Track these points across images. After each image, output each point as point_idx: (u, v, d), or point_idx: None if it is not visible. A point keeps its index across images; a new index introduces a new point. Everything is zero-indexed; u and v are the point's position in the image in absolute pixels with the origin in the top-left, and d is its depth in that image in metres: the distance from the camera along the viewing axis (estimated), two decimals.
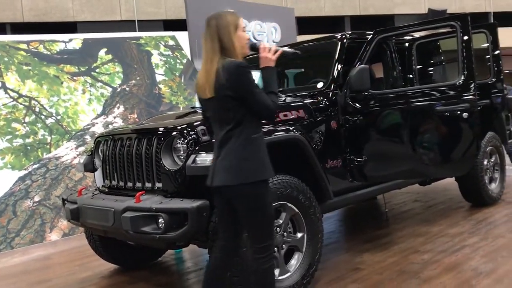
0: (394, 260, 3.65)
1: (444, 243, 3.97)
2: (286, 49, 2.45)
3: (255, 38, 8.07)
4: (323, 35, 4.74)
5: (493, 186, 5.20)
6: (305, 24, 13.10)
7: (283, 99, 3.58)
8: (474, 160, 4.12)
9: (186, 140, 2.93)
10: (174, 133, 2.99)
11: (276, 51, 2.36)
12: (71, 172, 5.66)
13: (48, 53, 6.47)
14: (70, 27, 11.66)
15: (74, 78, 6.43)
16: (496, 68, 5.14)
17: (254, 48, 2.39)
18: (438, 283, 3.13)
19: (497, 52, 5.10)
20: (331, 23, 15.11)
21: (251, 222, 2.31)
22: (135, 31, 11.71)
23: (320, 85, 3.94)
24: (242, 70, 2.23)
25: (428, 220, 4.75)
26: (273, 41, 8.29)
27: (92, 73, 6.64)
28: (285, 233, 3.06)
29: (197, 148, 2.90)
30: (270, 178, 2.37)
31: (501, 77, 5.14)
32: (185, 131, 2.97)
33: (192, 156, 2.84)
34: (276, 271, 2.97)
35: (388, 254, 3.79)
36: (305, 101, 3.64)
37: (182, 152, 2.95)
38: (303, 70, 5.01)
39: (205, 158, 2.76)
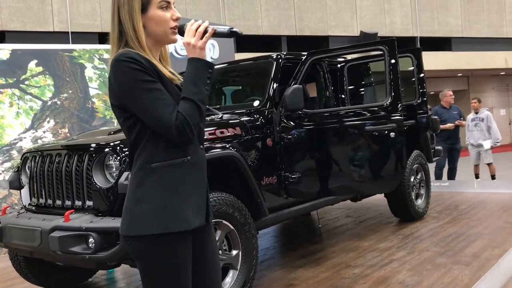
0: (326, 275, 3.73)
1: (373, 257, 4.11)
2: (219, 27, 1.67)
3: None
4: (260, 54, 4.84)
5: (419, 202, 5.47)
6: (243, 42, 13.27)
7: (220, 116, 3.61)
8: (401, 177, 4.33)
9: (119, 157, 2.87)
10: (107, 149, 2.92)
11: (205, 32, 1.63)
12: None
13: None
14: None
15: (1, 90, 6.12)
16: (421, 90, 5.46)
17: (182, 32, 1.67)
18: None
19: (421, 75, 5.42)
20: (268, 42, 15.41)
21: None
22: (69, 43, 11.34)
23: (256, 103, 4.01)
24: (120, 65, 1.55)
25: (359, 235, 4.91)
26: (211, 58, 8.33)
27: (21, 85, 6.34)
28: (220, 251, 3.06)
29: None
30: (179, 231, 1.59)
31: (425, 98, 5.47)
32: (118, 148, 2.91)
33: (125, 174, 2.79)
34: None
35: (321, 270, 3.88)
36: (242, 119, 3.69)
37: (114, 169, 2.88)
38: (240, 87, 5.08)
39: None
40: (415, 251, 4.21)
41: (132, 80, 1.54)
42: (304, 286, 3.53)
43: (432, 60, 16.32)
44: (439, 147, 6.31)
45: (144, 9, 1.64)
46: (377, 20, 16.89)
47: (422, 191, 5.57)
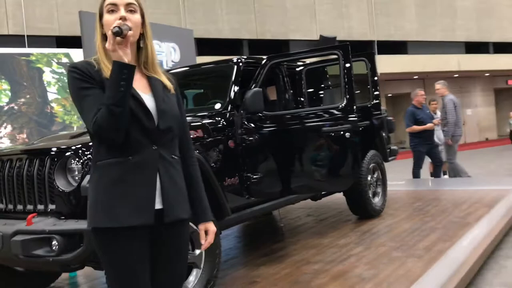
0: (288, 272, 3.86)
1: (333, 253, 4.27)
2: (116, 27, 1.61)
3: None
4: (221, 58, 4.94)
5: (376, 200, 5.68)
6: (204, 45, 13.35)
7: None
8: (356, 175, 4.51)
9: (81, 160, 2.90)
10: (68, 153, 2.95)
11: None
12: None
13: None
14: None
15: None
16: (375, 92, 5.69)
17: (118, 34, 1.61)
18: None
19: (375, 78, 5.65)
20: (230, 45, 15.54)
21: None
22: (25, 46, 11.10)
23: (218, 106, 4.10)
24: (67, 73, 1.73)
25: (320, 233, 5.07)
26: (172, 61, 8.37)
27: None
28: None
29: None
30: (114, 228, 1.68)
31: (379, 100, 5.70)
32: (80, 151, 2.94)
33: (88, 177, 2.82)
34: None
35: (282, 266, 4.00)
36: (204, 121, 3.77)
37: (77, 173, 2.91)
38: (202, 91, 5.15)
39: None
40: (372, 246, 4.39)
41: (73, 87, 1.71)
42: (266, 283, 3.64)
43: (389, 63, 16.88)
44: (395, 147, 6.56)
45: (101, 15, 1.73)
46: (336, 24, 17.30)
47: (379, 190, 5.77)
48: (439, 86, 8.40)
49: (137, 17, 1.73)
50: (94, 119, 1.62)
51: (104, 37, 1.73)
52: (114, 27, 1.61)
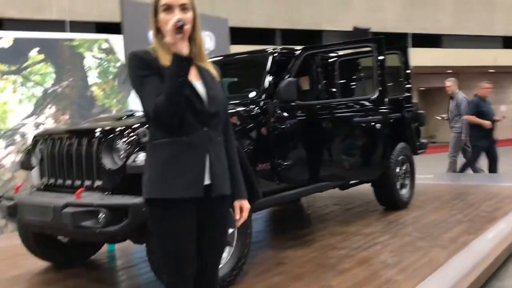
0: (314, 256, 4.02)
1: (358, 240, 4.41)
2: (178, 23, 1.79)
3: None
4: (253, 48, 5.09)
5: (404, 192, 5.76)
6: (238, 34, 13.48)
7: None
8: (385, 166, 4.62)
9: (126, 141, 3.12)
10: (115, 134, 3.17)
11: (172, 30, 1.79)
12: (0, 171, 5.57)
13: None
14: None
15: (4, 76, 6.31)
16: (407, 85, 5.75)
17: (182, 29, 1.80)
18: (351, 274, 3.53)
19: (408, 71, 5.71)
20: (263, 35, 15.64)
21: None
22: (66, 31, 11.49)
23: (252, 94, 4.27)
24: (128, 61, 1.92)
25: (346, 221, 5.21)
26: (207, 49, 8.56)
27: (23, 72, 6.54)
28: None
29: (137, 148, 3.10)
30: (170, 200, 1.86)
31: (411, 93, 5.76)
32: (125, 132, 3.16)
33: (133, 156, 3.04)
34: None
35: (309, 251, 4.17)
36: (238, 109, 3.95)
37: (122, 152, 3.13)
38: (236, 79, 5.33)
39: (144, 158, 2.97)
40: (398, 235, 4.51)
41: (133, 74, 1.89)
42: (293, 264, 3.82)
43: (423, 57, 16.68)
44: (425, 141, 6.61)
45: (156, 12, 1.92)
46: (369, 16, 17.17)
47: (407, 182, 5.85)
48: (450, 83, 8.40)
49: (189, 15, 1.90)
50: (154, 105, 1.80)
51: (158, 31, 1.93)
52: (177, 22, 1.78)
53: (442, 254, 3.86)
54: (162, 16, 1.89)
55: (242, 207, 2.12)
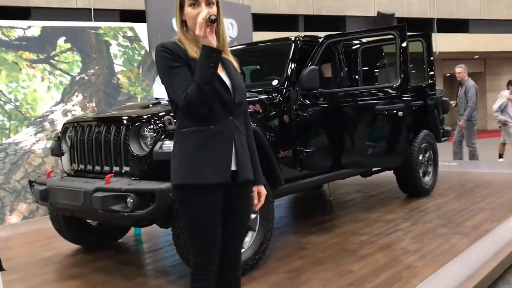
0: (335, 241, 4.09)
1: (380, 227, 4.45)
2: (211, 17, 1.89)
3: None
4: (276, 34, 5.13)
5: (427, 179, 5.76)
6: (260, 21, 13.47)
7: None
8: (406, 153, 4.63)
9: (153, 128, 3.22)
10: (142, 121, 3.28)
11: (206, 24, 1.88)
12: (30, 157, 5.78)
13: (7, 39, 6.49)
14: (24, 13, 11.48)
15: (33, 65, 6.49)
16: (430, 73, 5.71)
17: (215, 22, 1.90)
18: (372, 259, 3.59)
19: (431, 58, 5.67)
20: (286, 21, 15.57)
21: (185, 230, 2.13)
22: (91, 19, 11.68)
23: (275, 82, 4.32)
24: (157, 52, 1.97)
25: (368, 208, 5.25)
26: (230, 37, 8.60)
27: (51, 61, 6.71)
28: None
29: (163, 136, 3.20)
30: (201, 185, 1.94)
31: (434, 80, 5.72)
32: (152, 120, 3.26)
33: (159, 143, 3.14)
34: None
35: (331, 236, 4.24)
36: (261, 97, 4.01)
37: (149, 139, 3.23)
38: (259, 67, 5.37)
39: (170, 145, 3.06)
40: (419, 222, 4.54)
41: (163, 65, 1.95)
42: (315, 249, 3.89)
43: (449, 42, 16.39)
44: (449, 128, 6.56)
45: (182, 6, 2.01)
46: (394, 0, 16.89)
47: (430, 169, 5.84)
48: (460, 70, 8.32)
49: (214, 9, 1.97)
50: (185, 95, 1.88)
51: (184, 24, 2.03)
52: (210, 15, 1.87)
53: (463, 241, 3.88)
54: (189, 10, 1.98)
55: (260, 193, 2.21)
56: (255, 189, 2.20)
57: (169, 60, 1.94)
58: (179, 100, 1.92)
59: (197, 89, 1.87)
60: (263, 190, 2.22)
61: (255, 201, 2.21)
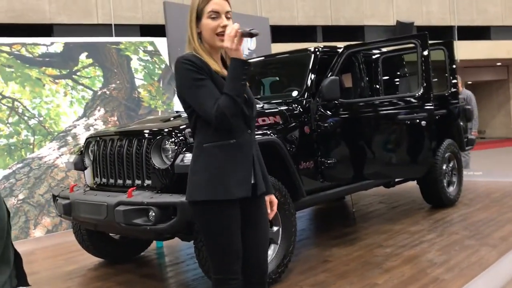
0: (359, 254, 4.02)
1: (404, 239, 4.37)
2: (245, 30, 1.91)
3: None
4: (295, 45, 5.12)
5: (451, 189, 5.64)
6: (278, 32, 13.52)
7: (261, 105, 3.93)
8: (429, 164, 4.55)
9: (174, 141, 3.23)
10: (164, 134, 3.29)
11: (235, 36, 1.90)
12: (54, 171, 5.85)
13: (30, 55, 6.63)
14: (47, 29, 11.73)
15: (56, 80, 6.61)
16: (452, 81, 5.63)
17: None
18: (397, 272, 3.51)
19: (453, 66, 5.58)
20: (304, 32, 15.59)
21: (205, 246, 2.07)
22: (112, 35, 11.87)
23: (295, 93, 4.30)
24: (178, 65, 1.93)
25: (392, 219, 5.16)
26: (248, 49, 8.64)
27: (73, 76, 6.83)
28: None
29: (184, 149, 3.20)
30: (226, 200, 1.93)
31: (457, 89, 5.63)
32: (173, 133, 3.27)
33: (180, 156, 3.14)
34: None
35: (354, 249, 4.17)
36: (281, 108, 3.99)
37: (170, 152, 3.24)
38: (278, 79, 5.37)
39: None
40: (445, 234, 4.44)
41: (187, 78, 1.91)
42: (338, 262, 3.83)
43: (470, 49, 16.18)
44: (473, 137, 6.44)
45: (199, 18, 1.99)
46: (413, 9, 16.78)
47: (454, 179, 5.73)
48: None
49: (231, 22, 1.98)
50: (216, 107, 1.86)
51: (199, 36, 2.01)
52: (251, 30, 1.89)
53: (492, 253, 3.78)
54: (208, 21, 1.96)
55: (272, 201, 2.20)
56: (267, 198, 2.18)
57: (193, 73, 1.91)
58: (209, 113, 1.88)
59: (230, 102, 1.87)
60: (274, 199, 2.21)
61: (268, 210, 2.19)
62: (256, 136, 3.49)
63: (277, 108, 3.96)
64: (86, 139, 3.98)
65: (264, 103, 4.05)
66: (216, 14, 1.96)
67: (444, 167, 5.44)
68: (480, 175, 7.53)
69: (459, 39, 16.65)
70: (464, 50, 16.02)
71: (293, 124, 3.99)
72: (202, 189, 1.94)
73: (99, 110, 6.75)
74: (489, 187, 6.67)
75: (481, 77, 20.35)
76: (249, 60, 2.14)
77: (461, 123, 5.91)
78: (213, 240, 1.99)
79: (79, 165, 3.96)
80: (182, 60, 1.93)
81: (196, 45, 1.98)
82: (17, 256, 1.41)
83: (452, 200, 5.57)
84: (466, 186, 6.33)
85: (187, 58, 1.93)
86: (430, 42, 4.35)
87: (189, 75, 1.91)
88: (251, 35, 1.90)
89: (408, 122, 4.15)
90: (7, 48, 6.46)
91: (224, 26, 1.95)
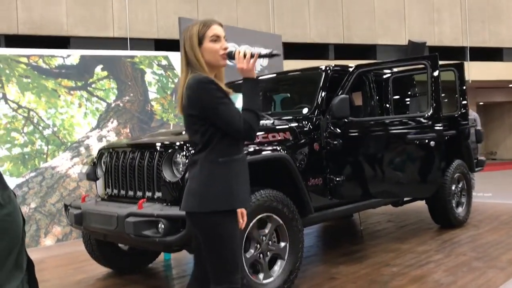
0: (366, 272, 4.03)
1: (412, 258, 4.36)
2: (262, 51, 2.11)
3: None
4: (307, 62, 5.18)
5: (460, 210, 5.64)
6: (291, 49, 13.62)
7: (272, 121, 3.98)
8: (438, 184, 4.56)
9: (185, 155, 3.29)
10: (175, 148, 3.35)
11: (252, 57, 2.08)
12: (66, 181, 5.94)
13: (47, 67, 6.77)
14: (63, 42, 11.95)
15: (71, 92, 6.74)
16: (462, 102, 5.65)
17: (231, 56, 2.13)
18: None
19: (463, 87, 5.61)
20: (316, 50, 15.68)
21: (211, 256, 2.11)
22: (127, 48, 12.05)
23: (305, 110, 4.35)
24: (203, 86, 2.04)
25: (400, 238, 5.16)
26: (261, 65, 8.73)
27: (88, 88, 6.96)
28: (270, 241, 3.42)
29: None
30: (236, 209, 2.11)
31: (467, 110, 5.65)
32: (185, 147, 3.33)
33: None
34: (261, 276, 3.33)
35: (361, 267, 4.17)
36: (291, 125, 4.04)
37: (181, 165, 3.30)
38: (289, 95, 5.44)
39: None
40: (452, 254, 4.43)
41: (213, 97, 2.04)
42: (345, 280, 3.84)
43: (482, 71, 16.15)
44: (483, 158, 6.43)
45: (200, 42, 2.14)
46: (426, 29, 16.82)
47: (463, 200, 5.72)
48: None
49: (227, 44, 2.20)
50: (243, 121, 2.04)
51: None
52: (272, 51, 2.13)
53: (499, 275, 3.76)
54: (211, 45, 2.14)
55: (242, 213, 2.27)
56: (239, 211, 2.24)
57: (218, 91, 2.06)
58: (238, 127, 2.04)
59: (255, 116, 2.09)
60: (245, 211, 2.30)
61: (240, 221, 2.25)
62: (266, 152, 3.58)
63: (287, 125, 4.01)
64: (99, 150, 4.06)
65: (274, 119, 4.11)
66: (217, 38, 2.15)
67: (453, 188, 5.45)
68: (489, 197, 7.50)
69: (471, 60, 16.63)
70: (476, 71, 16.00)
71: (303, 140, 4.04)
72: (223, 200, 2.06)
73: (112, 122, 6.85)
74: (498, 209, 6.64)
75: (493, 98, 20.26)
76: (261, 77, 2.35)
77: (471, 145, 5.92)
78: (225, 248, 2.09)
79: (92, 176, 4.03)
80: (205, 81, 2.06)
81: (205, 69, 2.12)
82: (30, 262, 1.47)
83: (460, 221, 5.56)
84: (475, 207, 6.31)
85: (209, 80, 2.07)
86: (441, 63, 4.40)
87: (215, 94, 2.05)
88: (272, 55, 2.10)
89: (418, 142, 4.18)
90: (25, 59, 6.61)
91: (225, 48, 2.14)
